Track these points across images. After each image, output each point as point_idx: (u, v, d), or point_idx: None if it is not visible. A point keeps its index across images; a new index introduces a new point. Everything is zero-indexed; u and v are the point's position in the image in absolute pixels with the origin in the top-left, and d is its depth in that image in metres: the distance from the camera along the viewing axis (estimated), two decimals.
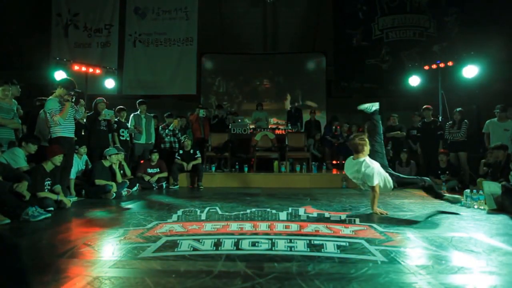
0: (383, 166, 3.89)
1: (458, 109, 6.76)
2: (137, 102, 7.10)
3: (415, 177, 3.86)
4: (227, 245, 2.54)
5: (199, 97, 11.01)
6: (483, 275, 1.98)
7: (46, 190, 4.19)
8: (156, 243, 2.57)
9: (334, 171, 7.73)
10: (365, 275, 1.95)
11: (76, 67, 8.11)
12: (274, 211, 3.87)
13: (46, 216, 3.57)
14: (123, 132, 6.54)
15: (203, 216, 3.61)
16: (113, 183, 5.30)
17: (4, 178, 3.68)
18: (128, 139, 6.66)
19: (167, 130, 7.29)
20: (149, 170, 6.53)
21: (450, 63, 7.65)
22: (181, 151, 6.89)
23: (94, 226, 3.33)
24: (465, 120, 6.66)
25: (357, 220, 3.39)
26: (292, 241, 2.65)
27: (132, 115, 6.94)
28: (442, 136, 6.92)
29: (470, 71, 7.34)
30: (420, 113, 7.48)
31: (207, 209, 3.99)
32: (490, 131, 6.16)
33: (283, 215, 3.64)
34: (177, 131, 7.37)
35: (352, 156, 3.93)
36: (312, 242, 2.61)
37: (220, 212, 3.83)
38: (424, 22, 10.11)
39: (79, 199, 5.07)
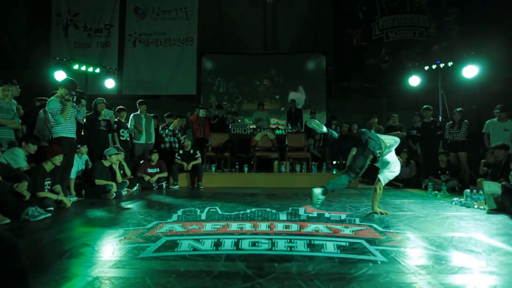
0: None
1: (458, 109, 6.76)
2: (137, 102, 7.10)
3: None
4: (227, 245, 2.54)
5: (199, 97, 11.01)
6: (483, 275, 1.98)
7: (46, 190, 4.19)
8: (156, 243, 2.57)
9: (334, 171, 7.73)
10: (365, 275, 1.95)
11: (76, 67, 8.11)
12: (274, 211, 3.86)
13: (46, 216, 3.57)
14: (123, 132, 6.54)
15: (203, 216, 3.61)
16: (113, 183, 5.30)
17: (4, 178, 3.68)
18: (128, 139, 6.66)
19: (167, 130, 7.29)
20: (149, 170, 6.53)
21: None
22: (181, 151, 6.89)
23: (94, 226, 3.33)
24: (465, 120, 6.66)
25: (357, 220, 3.38)
26: (292, 241, 2.65)
27: (132, 115, 6.94)
28: (442, 136, 6.92)
29: (470, 71, 7.34)
30: (420, 113, 7.48)
31: (207, 209, 3.99)
32: (490, 131, 6.16)
33: (283, 215, 3.64)
34: (177, 131, 7.37)
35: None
36: (312, 242, 2.61)
37: (220, 212, 3.83)
38: (424, 22, 10.11)
39: (79, 199, 5.07)
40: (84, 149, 5.61)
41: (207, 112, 8.58)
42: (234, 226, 3.14)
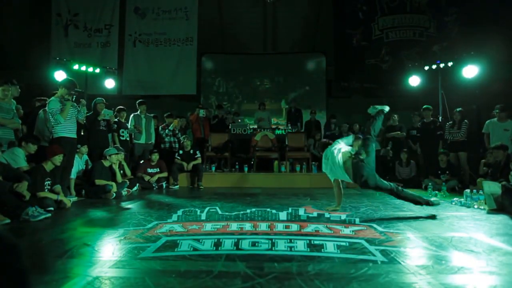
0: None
1: (458, 109, 6.76)
2: (137, 102, 7.10)
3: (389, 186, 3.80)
4: (227, 245, 2.54)
5: (199, 97, 11.01)
6: (483, 275, 1.98)
7: (46, 190, 4.19)
8: (156, 243, 2.57)
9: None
10: (365, 275, 1.95)
11: (76, 67, 8.11)
12: (274, 211, 3.86)
13: (46, 216, 3.57)
14: (123, 132, 6.54)
15: (203, 216, 3.61)
16: (113, 183, 5.30)
17: (4, 178, 3.68)
18: (128, 139, 6.66)
19: (167, 130, 7.29)
20: (149, 170, 6.53)
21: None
22: (181, 151, 6.90)
23: (94, 226, 3.33)
24: (465, 120, 6.66)
25: (357, 220, 3.38)
26: (292, 241, 2.65)
27: (132, 115, 6.94)
28: (442, 136, 6.92)
29: (470, 71, 7.33)
30: (420, 113, 7.48)
31: (207, 209, 3.99)
32: (490, 131, 6.16)
33: (283, 215, 3.64)
34: (177, 131, 7.37)
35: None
36: (312, 242, 2.61)
37: (220, 212, 3.83)
38: (424, 22, 10.11)
39: (79, 199, 5.07)
40: (85, 149, 5.61)
41: (207, 112, 8.58)
42: (234, 226, 3.14)
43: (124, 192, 5.55)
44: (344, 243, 2.58)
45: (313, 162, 7.72)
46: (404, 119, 7.96)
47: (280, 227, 3.12)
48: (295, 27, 11.52)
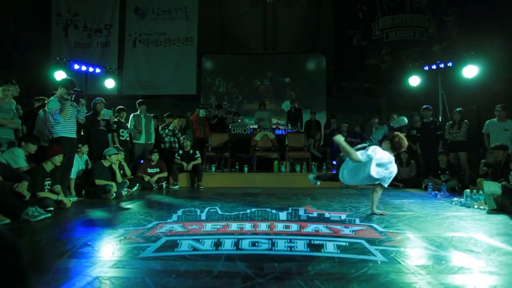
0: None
1: (458, 109, 6.76)
2: (137, 102, 7.10)
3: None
4: (227, 245, 2.54)
5: (199, 97, 11.00)
6: (483, 275, 1.98)
7: (46, 190, 4.19)
8: (156, 243, 2.56)
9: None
10: (365, 275, 1.95)
11: (76, 67, 8.11)
12: (274, 211, 3.86)
13: (46, 216, 3.56)
14: (122, 132, 6.54)
15: (203, 216, 3.61)
16: (113, 183, 5.30)
17: (4, 178, 3.68)
18: (127, 139, 6.67)
19: (167, 130, 7.30)
20: (149, 170, 6.53)
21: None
22: (180, 151, 6.90)
23: (94, 226, 3.33)
24: (465, 120, 6.66)
25: (357, 220, 3.39)
26: (292, 241, 2.65)
27: (132, 115, 6.94)
28: (442, 136, 6.92)
29: (470, 71, 7.34)
30: (420, 113, 7.48)
31: (207, 209, 3.99)
32: (490, 131, 6.16)
33: (283, 215, 3.64)
34: (177, 131, 7.37)
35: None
36: (312, 242, 2.61)
37: (220, 212, 3.83)
38: (424, 22, 10.11)
39: (79, 199, 5.07)
40: (85, 148, 5.62)
41: (207, 112, 8.58)
42: (234, 226, 3.14)
43: (124, 192, 5.54)
44: (344, 243, 2.58)
45: (313, 162, 7.72)
46: None
47: (280, 227, 3.12)
48: (295, 27, 11.51)
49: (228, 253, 2.36)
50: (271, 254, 2.34)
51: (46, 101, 4.91)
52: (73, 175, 5.17)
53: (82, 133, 5.65)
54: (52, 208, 3.98)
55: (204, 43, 10.60)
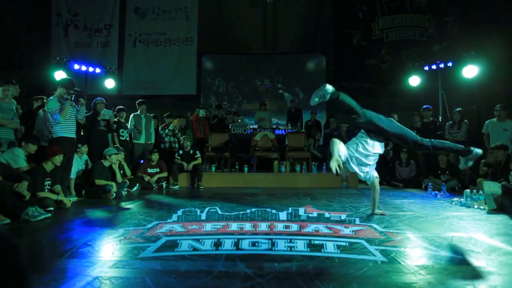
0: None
1: (458, 109, 6.76)
2: (137, 102, 7.10)
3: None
4: (227, 245, 2.54)
5: (199, 97, 11.00)
6: (483, 275, 1.98)
7: (46, 190, 4.19)
8: (156, 243, 2.57)
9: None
10: (365, 275, 1.95)
11: (76, 67, 8.12)
12: (274, 211, 3.86)
13: (46, 216, 3.57)
14: (122, 132, 6.55)
15: (203, 216, 3.61)
16: (113, 183, 5.30)
17: (4, 178, 3.68)
18: (127, 139, 6.67)
19: (166, 130, 7.30)
20: (149, 170, 6.53)
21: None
22: (180, 151, 6.90)
23: (94, 226, 3.33)
24: (465, 120, 6.66)
25: (357, 220, 3.39)
26: (292, 241, 2.65)
27: (132, 115, 6.94)
28: (442, 136, 6.91)
29: (470, 71, 7.33)
30: (420, 113, 7.48)
31: (207, 209, 3.99)
32: (490, 131, 6.16)
33: (283, 215, 3.64)
34: (176, 131, 7.37)
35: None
36: (312, 242, 2.61)
37: (220, 212, 3.83)
38: (424, 22, 10.11)
39: (79, 199, 5.07)
40: (85, 148, 5.61)
41: (207, 112, 8.58)
42: (234, 226, 3.14)
43: (124, 192, 5.54)
44: (344, 243, 2.58)
45: (313, 162, 7.72)
46: (404, 119, 7.95)
47: (280, 227, 3.12)
48: (295, 27, 11.52)
49: (228, 253, 2.36)
50: (271, 254, 2.34)
51: (45, 101, 4.90)
52: (72, 175, 5.17)
53: (82, 133, 5.65)
54: (52, 208, 3.99)
55: (204, 43, 10.61)
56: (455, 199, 4.76)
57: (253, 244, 2.56)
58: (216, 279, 1.89)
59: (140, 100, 7.23)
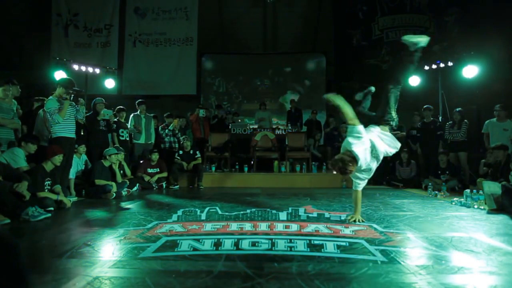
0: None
1: (458, 109, 6.76)
2: (137, 102, 7.10)
3: None
4: (227, 245, 2.54)
5: (199, 97, 11.01)
6: (483, 275, 1.98)
7: (46, 190, 4.19)
8: (156, 243, 2.57)
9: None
10: (365, 275, 1.95)
11: (76, 67, 8.12)
12: (274, 211, 3.87)
13: (46, 216, 3.56)
14: (122, 132, 6.55)
15: (203, 216, 3.61)
16: (113, 183, 5.30)
17: (4, 178, 3.68)
18: (127, 139, 6.67)
19: (166, 130, 7.30)
20: (149, 170, 6.53)
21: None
22: (181, 151, 6.90)
23: (94, 226, 3.33)
24: (465, 120, 6.66)
25: (357, 220, 3.38)
26: (292, 241, 2.65)
27: (131, 115, 6.94)
28: (442, 136, 6.92)
29: (470, 71, 7.33)
30: (420, 113, 7.48)
31: (207, 209, 3.99)
32: (490, 131, 6.16)
33: (283, 215, 3.64)
34: (176, 131, 7.37)
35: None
36: (312, 242, 2.61)
37: (220, 212, 3.83)
38: (424, 22, 10.11)
39: (79, 199, 5.06)
40: (82, 148, 5.59)
41: (207, 112, 8.58)
42: (234, 226, 3.14)
43: (124, 192, 5.54)
44: (344, 243, 2.58)
45: (313, 162, 7.72)
46: (404, 119, 7.95)
47: (280, 227, 3.12)
48: (295, 27, 11.53)
49: (228, 253, 2.36)
50: (271, 254, 2.34)
51: (45, 101, 4.90)
52: (72, 175, 5.17)
53: (82, 133, 5.65)
54: (52, 208, 3.98)
55: (204, 43, 10.61)
56: (455, 199, 4.76)
57: (253, 244, 2.56)
58: (216, 279, 1.89)
59: (140, 100, 7.23)
